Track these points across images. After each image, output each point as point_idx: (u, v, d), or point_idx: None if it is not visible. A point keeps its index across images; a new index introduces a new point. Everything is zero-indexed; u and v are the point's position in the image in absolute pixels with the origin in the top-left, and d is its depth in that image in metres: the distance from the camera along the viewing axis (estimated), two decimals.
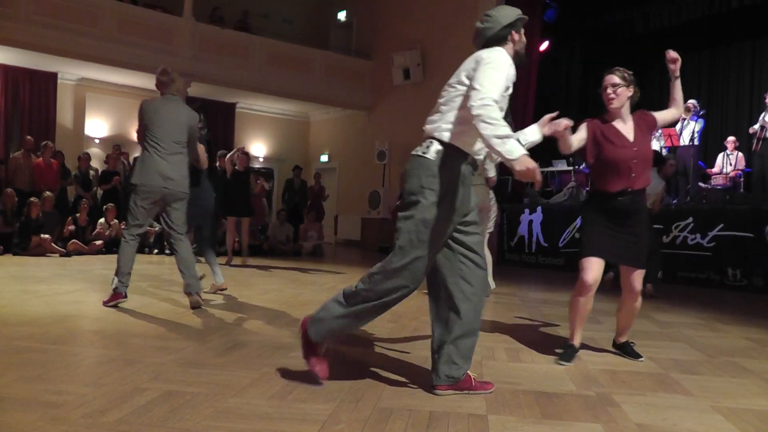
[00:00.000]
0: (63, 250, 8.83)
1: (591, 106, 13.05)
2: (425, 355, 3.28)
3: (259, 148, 15.78)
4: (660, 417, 2.44)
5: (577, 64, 13.05)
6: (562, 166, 11.02)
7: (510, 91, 2.65)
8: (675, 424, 2.37)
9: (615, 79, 3.27)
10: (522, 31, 2.78)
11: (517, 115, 11.35)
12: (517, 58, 2.72)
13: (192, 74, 12.02)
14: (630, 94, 3.29)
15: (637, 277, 3.35)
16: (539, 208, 9.93)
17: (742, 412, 2.56)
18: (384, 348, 3.48)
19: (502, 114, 2.49)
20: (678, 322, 4.83)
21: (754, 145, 9.03)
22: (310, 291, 6.02)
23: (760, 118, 8.95)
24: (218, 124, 14.51)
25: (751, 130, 9.15)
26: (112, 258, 8.50)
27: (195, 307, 4.57)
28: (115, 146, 11.56)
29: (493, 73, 2.49)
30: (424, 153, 2.57)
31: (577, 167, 10.79)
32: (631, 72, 3.33)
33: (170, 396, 2.42)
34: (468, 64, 2.61)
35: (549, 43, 11.99)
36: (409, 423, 2.24)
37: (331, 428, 2.15)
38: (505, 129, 2.37)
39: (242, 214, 8.39)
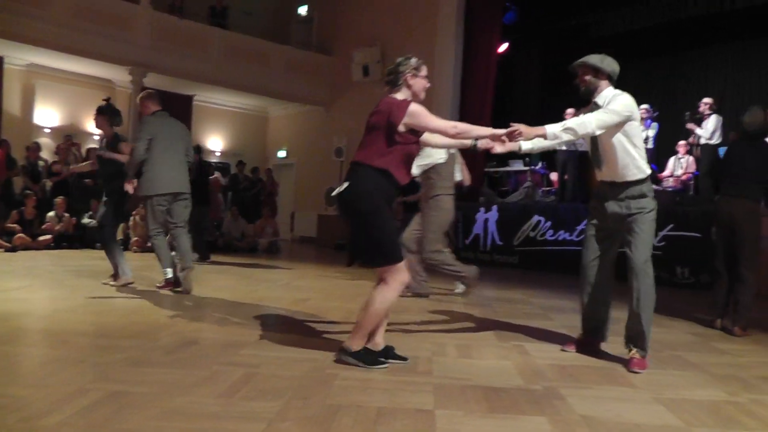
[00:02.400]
0: (8, 244, 8.51)
1: (548, 108, 13.33)
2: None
3: (216, 142, 15.53)
4: (604, 408, 2.51)
5: (536, 67, 13.27)
6: (518, 166, 11.17)
7: None
8: (619, 414, 2.44)
9: None
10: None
11: (474, 117, 11.49)
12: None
13: (148, 65, 11.74)
14: None
15: None
16: (495, 207, 10.06)
17: (683, 402, 2.66)
18: (335, 344, 3.46)
19: None
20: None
21: (695, 151, 9.48)
22: (264, 288, 5.96)
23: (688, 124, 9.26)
24: (175, 117, 14.19)
25: (691, 140, 9.49)
26: (61, 253, 8.35)
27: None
28: (67, 137, 11.20)
29: None
30: None
31: (533, 168, 10.97)
32: None
33: (115, 396, 2.36)
34: None
35: (508, 46, 12.15)
36: (357, 419, 2.24)
37: (277, 426, 2.14)
38: None
39: None
